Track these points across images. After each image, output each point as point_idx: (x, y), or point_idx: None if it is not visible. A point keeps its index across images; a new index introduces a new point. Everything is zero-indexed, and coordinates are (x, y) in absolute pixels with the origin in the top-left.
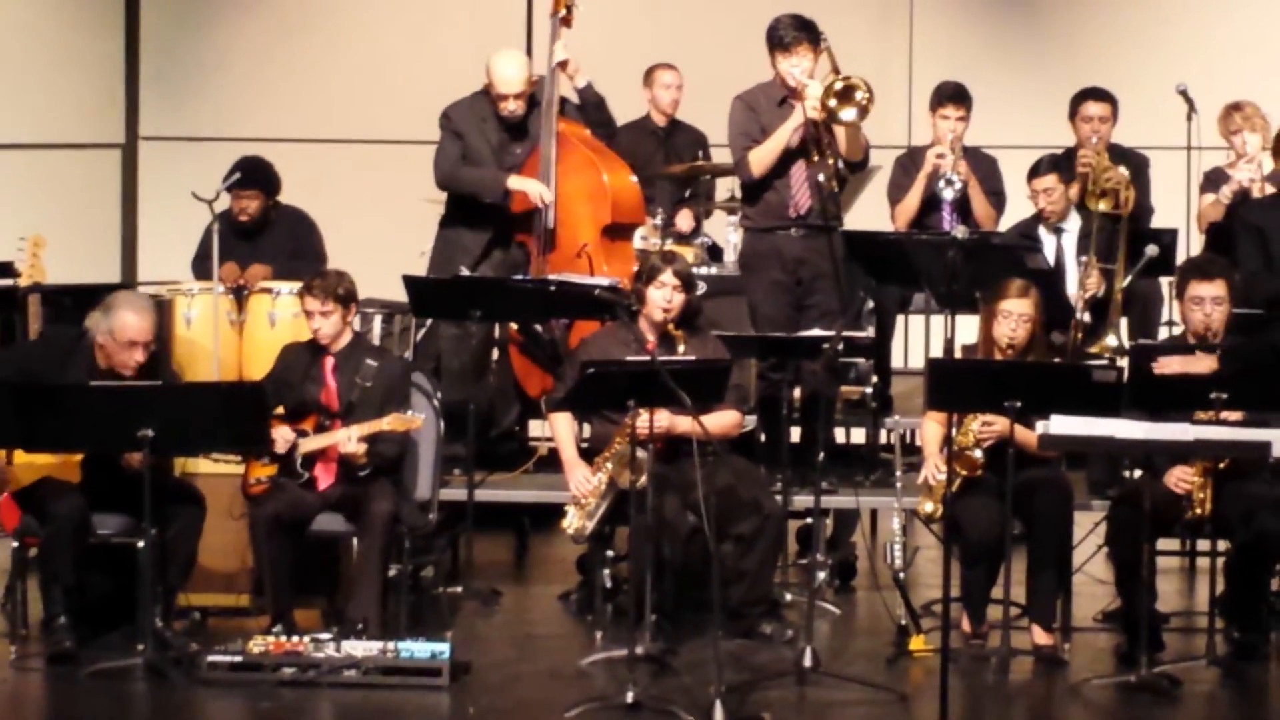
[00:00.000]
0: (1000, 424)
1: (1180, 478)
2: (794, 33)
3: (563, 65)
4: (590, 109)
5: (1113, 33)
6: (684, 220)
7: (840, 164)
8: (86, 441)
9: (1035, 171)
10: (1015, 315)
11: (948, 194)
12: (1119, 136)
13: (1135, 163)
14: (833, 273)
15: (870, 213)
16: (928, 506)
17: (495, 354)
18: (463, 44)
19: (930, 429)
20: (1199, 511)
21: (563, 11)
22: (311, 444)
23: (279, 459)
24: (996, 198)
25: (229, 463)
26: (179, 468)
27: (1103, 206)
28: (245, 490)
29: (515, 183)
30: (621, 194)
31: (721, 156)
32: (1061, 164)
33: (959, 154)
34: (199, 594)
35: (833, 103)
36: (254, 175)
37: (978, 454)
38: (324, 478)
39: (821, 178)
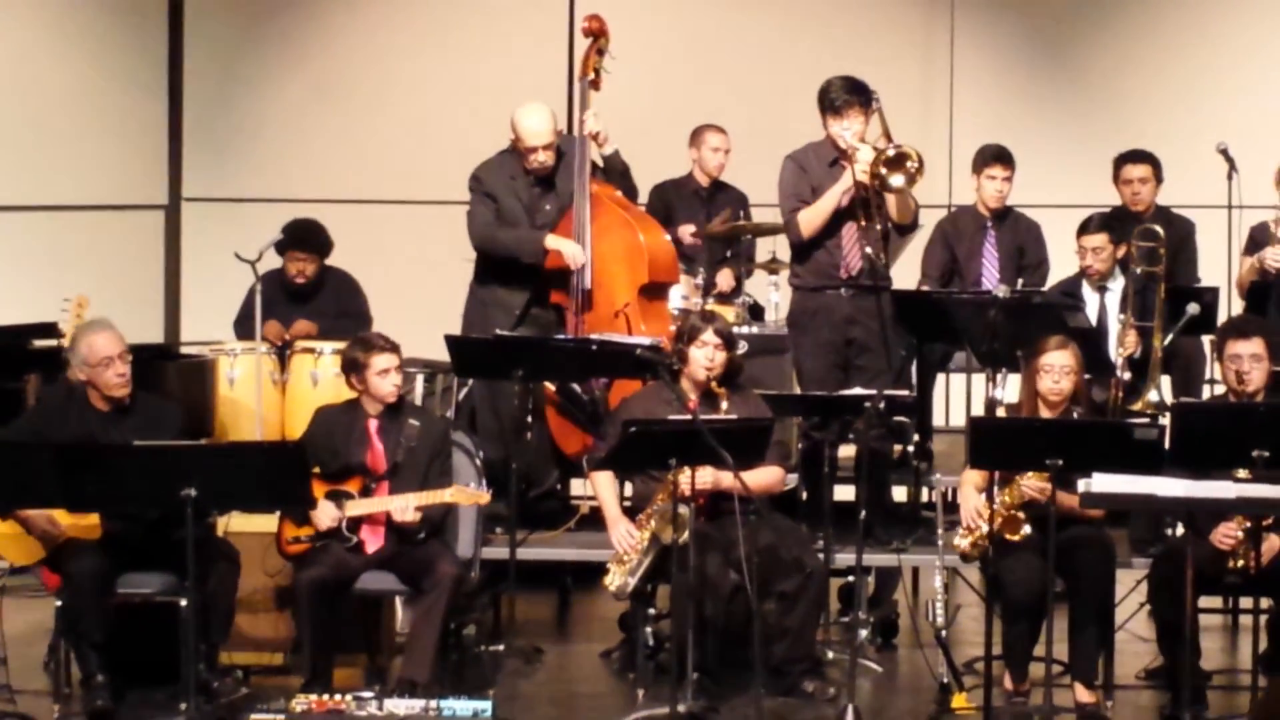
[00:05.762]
0: (1043, 486)
1: (1225, 533)
2: (845, 95)
3: (594, 136)
4: (615, 176)
5: (1153, 92)
6: (725, 280)
7: (889, 226)
8: (129, 501)
9: (1085, 228)
10: (1058, 368)
11: None
12: (1162, 198)
13: (1181, 230)
14: (881, 332)
15: (898, 271)
16: (964, 542)
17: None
18: (503, 106)
19: (969, 489)
20: (1243, 564)
21: (591, 75)
22: (361, 508)
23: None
24: (1041, 267)
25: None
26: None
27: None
28: (281, 549)
29: (553, 242)
30: (658, 253)
31: (762, 216)
32: (1113, 223)
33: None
34: (240, 653)
35: (883, 170)
36: (309, 239)
37: (1026, 528)
38: (372, 540)
39: (869, 250)
